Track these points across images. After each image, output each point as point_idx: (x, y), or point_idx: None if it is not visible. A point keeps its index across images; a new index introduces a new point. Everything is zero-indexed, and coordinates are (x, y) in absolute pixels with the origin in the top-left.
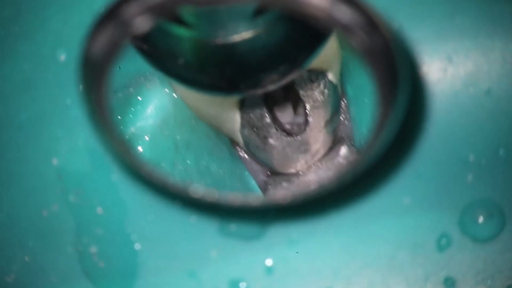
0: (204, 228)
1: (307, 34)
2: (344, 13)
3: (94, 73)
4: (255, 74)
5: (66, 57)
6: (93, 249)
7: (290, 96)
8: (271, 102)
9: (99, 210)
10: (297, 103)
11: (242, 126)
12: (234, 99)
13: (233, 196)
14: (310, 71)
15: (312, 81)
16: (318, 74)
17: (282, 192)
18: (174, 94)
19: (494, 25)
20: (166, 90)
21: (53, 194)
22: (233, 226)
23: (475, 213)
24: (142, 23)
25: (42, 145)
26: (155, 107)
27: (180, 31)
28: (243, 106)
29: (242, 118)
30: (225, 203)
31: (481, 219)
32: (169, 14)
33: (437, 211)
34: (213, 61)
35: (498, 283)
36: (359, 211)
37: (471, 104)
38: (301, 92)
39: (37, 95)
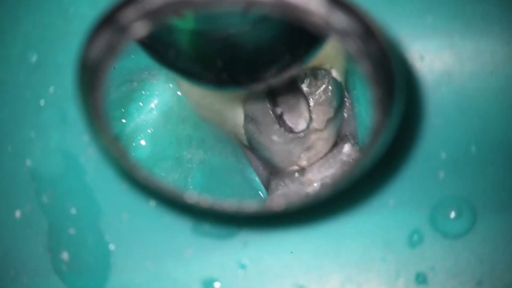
0: (178, 227)
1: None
2: (341, 20)
3: (91, 77)
4: (255, 67)
5: (37, 59)
6: (66, 249)
7: (294, 93)
8: (275, 98)
9: (73, 210)
10: (300, 100)
11: (245, 122)
12: (237, 94)
13: (228, 203)
14: (314, 68)
15: (316, 78)
16: (322, 71)
17: (277, 200)
18: (178, 91)
19: (466, 25)
20: (170, 85)
21: (26, 195)
22: (207, 225)
23: (447, 210)
24: (140, 29)
25: (15, 146)
26: (158, 102)
27: (179, 24)
28: (246, 102)
29: (245, 114)
30: (219, 210)
31: (452, 216)
32: (167, 19)
33: (408, 207)
34: (213, 54)
35: (469, 279)
36: (331, 209)
37: (443, 102)
38: (305, 89)
39: (9, 97)
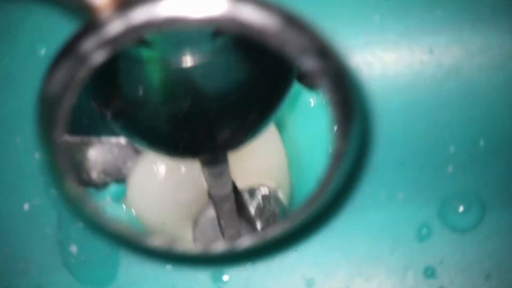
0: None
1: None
2: (296, 38)
3: (51, 113)
4: (216, 132)
5: (46, 52)
6: (75, 242)
7: (241, 216)
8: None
9: None
10: (247, 224)
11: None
12: (188, 214)
13: (191, 246)
14: (264, 195)
15: (265, 203)
16: (271, 195)
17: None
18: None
19: (475, 18)
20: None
21: (35, 187)
22: None
23: (455, 204)
24: (98, 56)
25: (24, 139)
26: None
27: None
28: (196, 225)
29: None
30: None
31: (461, 210)
32: (128, 45)
33: (417, 201)
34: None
35: (478, 273)
36: (339, 202)
37: (452, 96)
38: (253, 212)
39: (18, 90)
